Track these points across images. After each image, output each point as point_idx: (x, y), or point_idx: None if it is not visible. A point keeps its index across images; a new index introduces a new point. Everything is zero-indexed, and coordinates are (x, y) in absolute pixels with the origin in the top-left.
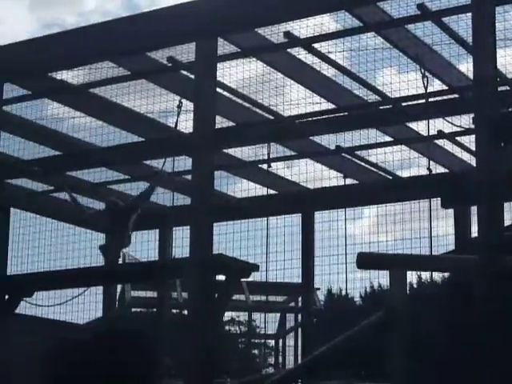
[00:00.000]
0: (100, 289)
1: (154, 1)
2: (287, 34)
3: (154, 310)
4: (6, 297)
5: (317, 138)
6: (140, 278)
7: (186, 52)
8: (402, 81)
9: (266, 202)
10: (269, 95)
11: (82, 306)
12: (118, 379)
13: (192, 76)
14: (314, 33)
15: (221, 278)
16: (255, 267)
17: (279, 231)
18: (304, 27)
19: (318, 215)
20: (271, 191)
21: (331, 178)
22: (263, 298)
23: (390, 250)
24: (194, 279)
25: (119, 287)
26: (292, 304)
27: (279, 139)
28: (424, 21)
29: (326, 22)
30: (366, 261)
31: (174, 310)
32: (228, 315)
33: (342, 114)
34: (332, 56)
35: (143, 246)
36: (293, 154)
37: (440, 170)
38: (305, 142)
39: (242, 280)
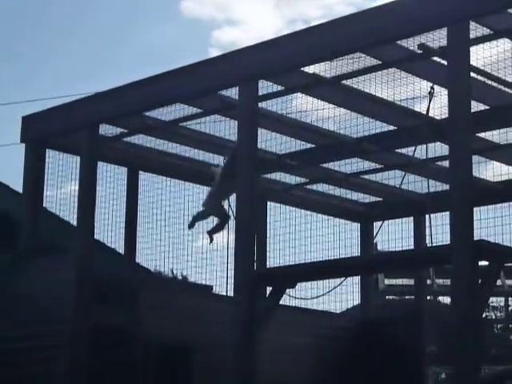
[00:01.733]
0: (356, 278)
1: None
2: None
3: (408, 297)
4: (269, 288)
5: None
6: (397, 266)
7: (436, 38)
8: None
9: None
10: None
11: (340, 296)
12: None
13: (444, 62)
14: None
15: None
16: None
17: None
18: None
19: None
20: None
21: None
22: None
23: None
24: (459, 266)
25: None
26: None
27: None
28: None
29: None
30: None
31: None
32: None
33: None
34: None
35: (399, 234)
36: None
37: None
38: None
39: None
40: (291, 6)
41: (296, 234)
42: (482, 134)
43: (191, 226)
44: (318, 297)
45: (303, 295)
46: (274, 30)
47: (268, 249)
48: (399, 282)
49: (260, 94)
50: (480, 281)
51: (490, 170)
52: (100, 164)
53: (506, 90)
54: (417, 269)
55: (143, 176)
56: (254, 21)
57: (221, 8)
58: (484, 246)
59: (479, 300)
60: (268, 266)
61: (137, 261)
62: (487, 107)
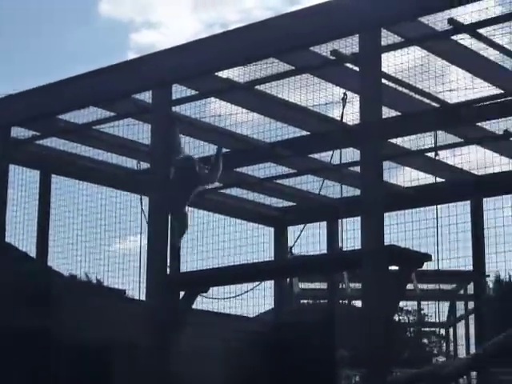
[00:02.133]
0: (270, 282)
1: None
2: (451, 20)
3: (322, 301)
4: (182, 293)
5: (484, 124)
6: (311, 271)
7: (349, 45)
8: None
9: (434, 190)
10: (435, 83)
11: (254, 301)
12: (297, 369)
13: (356, 68)
14: (478, 18)
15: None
16: (428, 257)
17: (448, 220)
18: (468, 13)
19: (488, 202)
20: (439, 179)
21: (501, 164)
22: (430, 286)
23: None
24: (369, 270)
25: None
26: (461, 292)
27: (446, 127)
28: None
29: (490, 7)
30: None
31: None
32: None
33: (509, 99)
34: (498, 40)
35: (313, 238)
36: (460, 141)
37: None
38: (472, 128)
39: None
40: (210, 9)
41: (210, 239)
42: (394, 140)
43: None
44: (229, 298)
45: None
46: (192, 33)
47: (182, 253)
48: (314, 286)
49: (175, 97)
50: (390, 285)
51: (402, 176)
52: (12, 167)
53: (417, 96)
54: (330, 273)
55: (56, 179)
56: (173, 24)
57: (139, 10)
58: (394, 251)
59: (389, 304)
60: (182, 271)
61: (49, 264)
62: (399, 113)
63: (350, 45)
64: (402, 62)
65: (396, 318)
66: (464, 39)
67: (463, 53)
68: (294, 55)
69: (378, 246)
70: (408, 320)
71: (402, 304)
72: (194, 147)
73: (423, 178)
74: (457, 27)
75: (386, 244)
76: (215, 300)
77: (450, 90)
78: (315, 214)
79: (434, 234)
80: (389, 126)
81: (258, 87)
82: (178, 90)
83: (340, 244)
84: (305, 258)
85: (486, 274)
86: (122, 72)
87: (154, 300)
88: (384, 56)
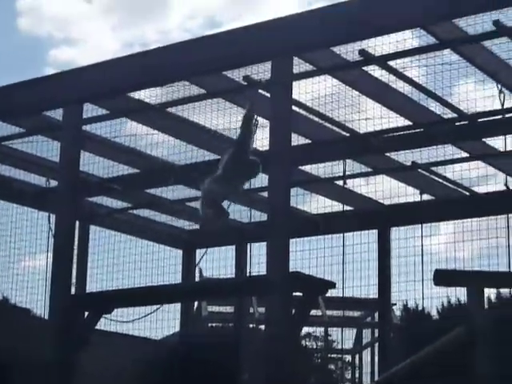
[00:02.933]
0: (178, 304)
1: (235, 18)
2: (362, 51)
3: (231, 324)
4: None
5: (393, 155)
6: (219, 294)
7: (262, 71)
8: (478, 97)
9: (342, 218)
10: (344, 112)
11: (161, 323)
12: None
13: (268, 94)
14: (389, 50)
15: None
16: (332, 285)
17: (356, 248)
18: (379, 44)
19: (395, 232)
20: (347, 208)
21: (408, 195)
22: (339, 313)
23: (466, 266)
24: (275, 296)
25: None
26: (368, 319)
27: (355, 156)
28: (500, 37)
29: (401, 40)
30: (443, 277)
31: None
32: (304, 330)
33: (418, 131)
34: (408, 73)
35: (220, 262)
36: (369, 170)
37: None
38: (381, 158)
39: None
40: (130, 28)
41: (118, 259)
42: (308, 167)
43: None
44: (133, 320)
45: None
46: (112, 51)
47: (88, 273)
48: (223, 309)
49: (89, 115)
50: (294, 311)
51: (313, 203)
52: None
53: (328, 125)
54: (237, 297)
55: None
56: (93, 41)
57: (59, 26)
58: (298, 277)
59: (293, 330)
60: (88, 291)
61: None
62: (309, 141)
63: (262, 71)
64: (312, 91)
65: (303, 343)
66: (374, 70)
67: (374, 84)
68: (207, 79)
69: (282, 271)
70: (315, 346)
71: (310, 330)
72: (107, 167)
73: (332, 206)
74: (367, 58)
75: (291, 270)
76: (124, 321)
77: (359, 120)
78: (224, 238)
79: (341, 262)
80: (298, 153)
81: (171, 109)
82: (94, 109)
83: (248, 268)
84: (212, 282)
85: (393, 302)
86: (34, 88)
87: (57, 319)
88: (296, 84)
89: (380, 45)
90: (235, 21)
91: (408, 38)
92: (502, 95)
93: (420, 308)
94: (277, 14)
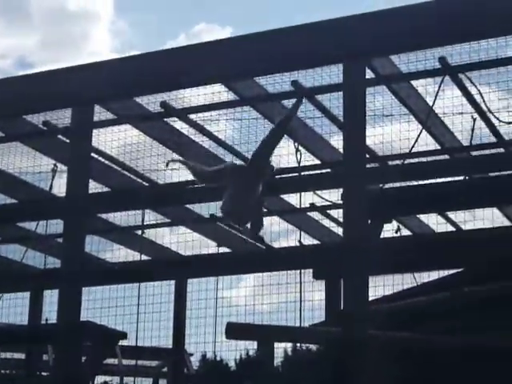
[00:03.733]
0: None
1: (46, 61)
2: (163, 103)
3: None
4: None
5: (194, 206)
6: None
7: (62, 117)
8: (275, 154)
9: (140, 267)
10: (143, 163)
11: None
12: None
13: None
14: (190, 104)
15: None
16: (123, 335)
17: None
18: (181, 97)
19: (196, 282)
20: (145, 257)
21: (208, 246)
22: (136, 362)
23: (265, 319)
24: (62, 345)
25: None
26: (165, 369)
27: (153, 206)
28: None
29: (201, 94)
30: (235, 331)
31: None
32: (102, 379)
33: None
34: (208, 127)
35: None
36: (167, 221)
37: (313, 241)
38: (181, 209)
39: None
40: None
41: None
42: (112, 215)
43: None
44: None
45: None
46: None
47: None
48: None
49: None
50: (85, 359)
51: (115, 251)
52: None
53: (129, 174)
54: (26, 345)
55: None
56: None
57: None
58: (88, 326)
59: (84, 378)
60: None
61: None
62: (109, 189)
63: (63, 117)
64: (112, 139)
65: None
66: (176, 121)
67: (176, 135)
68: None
69: (72, 320)
70: None
71: (107, 378)
72: None
73: (134, 255)
74: (168, 111)
75: (83, 319)
76: None
77: (157, 170)
78: (16, 284)
79: (137, 312)
80: (97, 201)
81: None
82: None
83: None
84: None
85: (191, 352)
86: None
87: None
88: (97, 132)
89: (181, 97)
90: (49, 63)
91: (216, 92)
92: (299, 153)
93: (218, 358)
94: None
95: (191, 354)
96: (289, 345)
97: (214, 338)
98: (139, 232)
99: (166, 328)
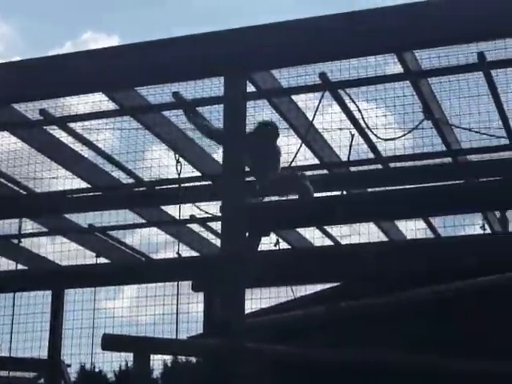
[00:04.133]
0: None
1: None
2: (42, 111)
3: None
4: None
5: (72, 216)
6: None
7: None
8: (158, 165)
9: (16, 277)
10: (20, 171)
11: None
12: None
13: None
14: (70, 112)
15: None
16: None
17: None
18: (60, 106)
19: (73, 293)
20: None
21: (87, 257)
22: (13, 373)
23: (144, 331)
24: None
25: None
26: (41, 380)
27: (28, 215)
28: (179, 109)
29: (82, 102)
30: (111, 342)
31: None
32: None
33: (96, 194)
34: (89, 137)
35: None
36: (44, 230)
37: (193, 253)
38: (60, 219)
39: None
40: None
41: None
42: None
43: None
44: None
45: None
46: None
47: None
48: None
49: None
50: None
51: None
52: None
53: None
54: None
55: None
56: None
57: None
58: None
59: None
60: None
61: None
62: None
63: None
64: None
65: None
66: (55, 129)
67: (55, 144)
68: None
69: None
70: None
71: None
72: None
73: (8, 264)
74: (47, 118)
75: None
76: None
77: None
78: None
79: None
80: None
81: None
82: None
83: None
84: None
85: (68, 363)
86: None
87: None
88: None
89: (69, 105)
90: None
91: (97, 101)
92: (179, 165)
93: (96, 369)
94: None
95: (69, 365)
96: (167, 357)
97: (91, 350)
98: (16, 241)
99: (42, 339)
